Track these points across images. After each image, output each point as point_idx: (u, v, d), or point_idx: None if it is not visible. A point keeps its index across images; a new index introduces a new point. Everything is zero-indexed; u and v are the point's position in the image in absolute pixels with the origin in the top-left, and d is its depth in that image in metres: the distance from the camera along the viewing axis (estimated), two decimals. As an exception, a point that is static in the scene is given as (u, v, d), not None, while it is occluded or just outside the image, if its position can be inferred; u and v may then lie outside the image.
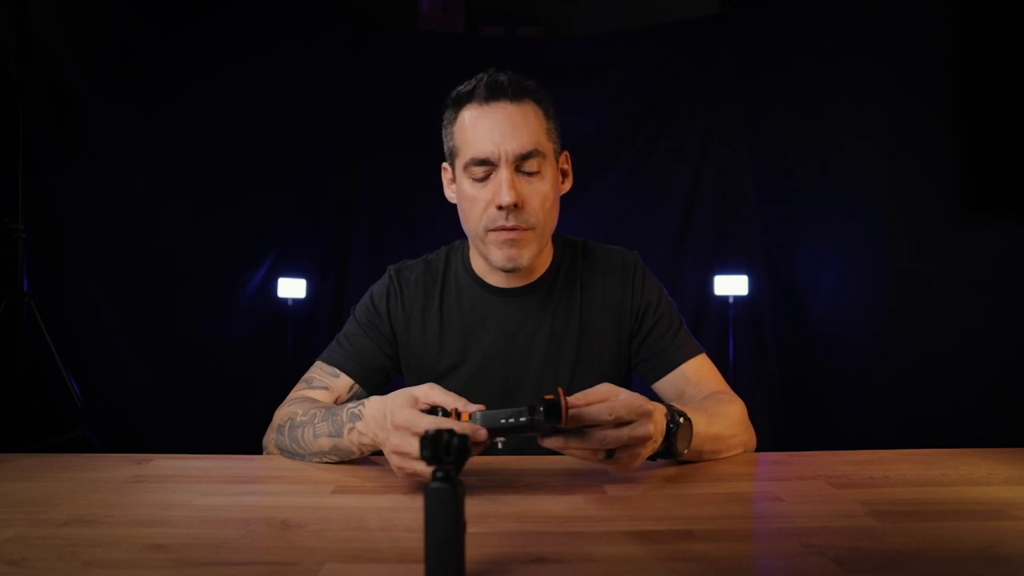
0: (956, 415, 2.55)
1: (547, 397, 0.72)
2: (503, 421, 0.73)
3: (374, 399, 0.85)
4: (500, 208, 1.01)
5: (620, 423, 0.76)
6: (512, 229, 1.02)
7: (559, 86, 3.51)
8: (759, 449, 1.03)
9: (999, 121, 2.22)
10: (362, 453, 0.89)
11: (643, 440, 0.77)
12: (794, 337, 3.41)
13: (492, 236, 1.04)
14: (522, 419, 0.73)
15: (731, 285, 3.33)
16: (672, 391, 1.12)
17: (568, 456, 0.77)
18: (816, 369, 3.33)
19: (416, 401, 0.78)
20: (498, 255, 1.05)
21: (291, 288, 3.35)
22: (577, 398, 0.76)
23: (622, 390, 0.79)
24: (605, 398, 0.77)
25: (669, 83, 3.68)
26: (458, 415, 0.75)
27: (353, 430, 0.87)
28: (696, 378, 1.11)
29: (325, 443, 0.91)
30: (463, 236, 1.17)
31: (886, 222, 2.96)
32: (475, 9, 3.91)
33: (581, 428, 0.75)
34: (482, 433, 0.72)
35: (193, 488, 0.82)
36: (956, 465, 0.90)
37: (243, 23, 3.19)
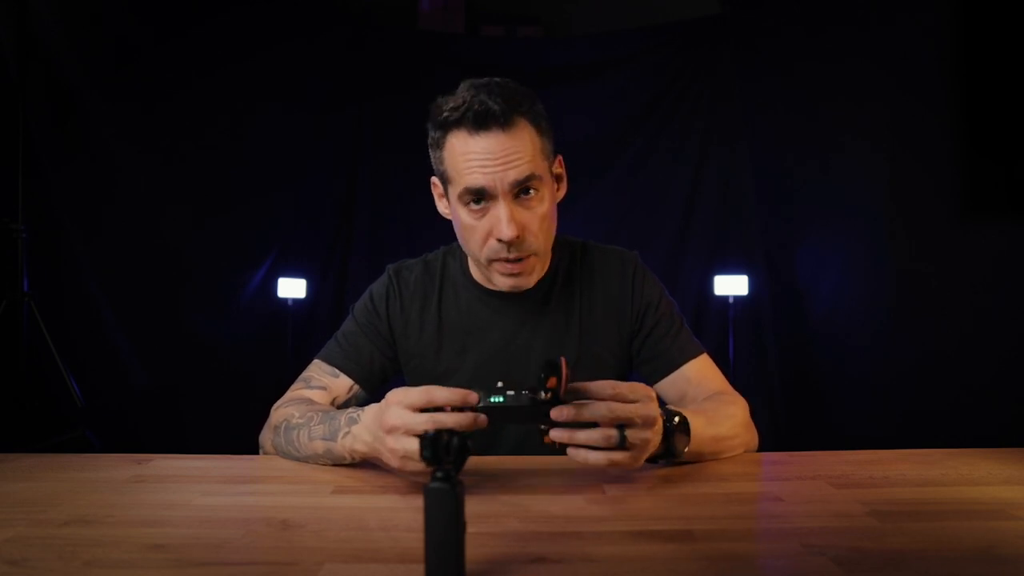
0: (956, 415, 2.55)
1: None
2: (500, 400, 0.73)
3: (372, 406, 0.84)
4: (500, 241, 0.99)
5: (624, 400, 0.75)
6: (514, 261, 1.01)
7: (559, 86, 3.53)
8: (759, 450, 1.03)
9: (999, 121, 2.22)
10: (353, 459, 0.88)
11: (650, 421, 0.76)
12: (794, 337, 3.41)
13: (496, 266, 1.03)
14: (524, 393, 0.73)
15: (731, 285, 3.33)
16: (674, 392, 1.12)
17: (575, 458, 0.76)
18: (816, 369, 3.33)
19: (411, 404, 0.75)
20: (502, 282, 1.04)
21: (291, 288, 3.35)
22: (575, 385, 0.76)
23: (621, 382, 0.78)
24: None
25: (669, 83, 3.68)
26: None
27: (348, 434, 0.86)
28: (698, 379, 1.10)
29: (319, 446, 0.90)
30: (455, 242, 1.17)
31: (886, 222, 2.96)
32: (475, 9, 3.91)
33: (586, 421, 0.74)
34: (482, 419, 0.73)
35: (193, 488, 0.82)
36: (956, 465, 0.90)
37: (243, 23, 3.19)
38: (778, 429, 3.33)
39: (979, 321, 2.61)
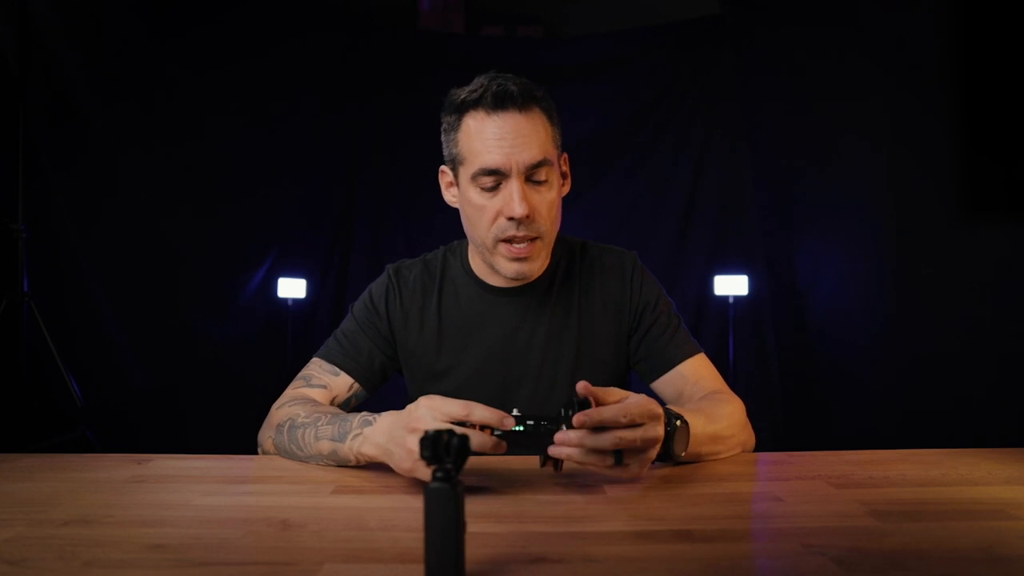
0: (956, 415, 2.55)
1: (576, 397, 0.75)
2: (520, 429, 0.76)
3: (389, 412, 0.85)
4: (510, 219, 1.01)
5: (633, 425, 0.75)
6: (523, 241, 1.02)
7: (559, 86, 3.51)
8: (759, 449, 1.03)
9: (999, 121, 2.22)
10: (358, 462, 0.87)
11: (654, 442, 0.77)
12: (794, 337, 3.41)
13: (502, 247, 1.03)
14: (543, 424, 0.76)
15: (731, 285, 3.33)
16: (670, 391, 1.12)
17: (576, 464, 0.76)
18: (816, 369, 3.33)
19: (446, 414, 0.75)
20: (508, 267, 1.05)
21: (291, 288, 3.36)
22: (591, 393, 0.76)
23: (630, 392, 0.79)
24: (617, 399, 0.77)
25: (669, 83, 3.68)
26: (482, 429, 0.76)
27: (359, 436, 0.85)
28: (695, 377, 1.11)
29: (325, 446, 0.90)
30: (463, 236, 1.17)
31: (886, 222, 2.96)
32: (475, 9, 3.91)
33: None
34: (503, 446, 0.75)
35: (193, 488, 0.82)
36: (956, 465, 0.90)
37: (243, 23, 3.19)
38: (778, 429, 3.33)
39: (979, 321, 2.60)
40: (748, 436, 1.02)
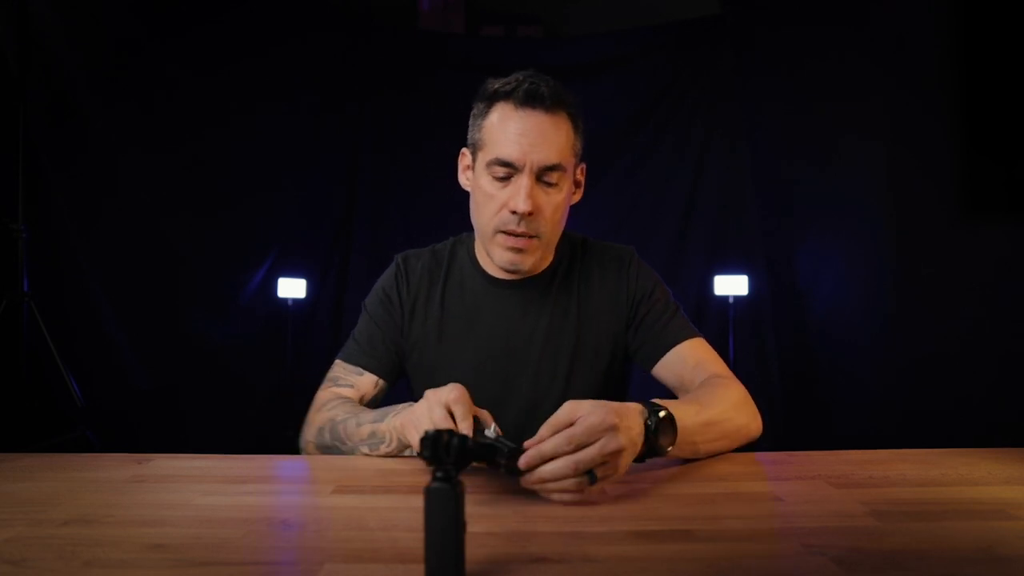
0: (956, 415, 2.55)
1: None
2: (485, 439, 0.78)
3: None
4: (513, 212, 1.03)
5: (584, 446, 0.72)
6: (520, 235, 1.04)
7: (559, 86, 3.53)
8: (759, 449, 1.03)
9: (999, 121, 2.22)
10: (391, 440, 0.92)
11: (616, 453, 0.74)
12: (794, 337, 3.41)
13: (500, 237, 1.06)
14: (501, 446, 0.75)
15: (731, 285, 3.33)
16: (670, 375, 1.12)
17: (552, 498, 0.74)
18: (816, 369, 3.33)
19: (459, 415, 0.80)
20: (501, 256, 1.08)
21: (291, 288, 3.35)
22: (541, 431, 0.74)
23: (584, 405, 0.75)
24: (567, 422, 0.74)
25: (669, 83, 3.68)
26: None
27: (399, 415, 0.90)
28: (693, 360, 1.10)
29: (366, 430, 0.95)
30: (464, 232, 1.19)
31: (886, 222, 2.96)
32: (475, 9, 3.91)
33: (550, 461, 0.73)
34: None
35: (193, 488, 0.82)
36: (956, 465, 0.90)
37: (243, 23, 3.19)
38: (778, 429, 3.33)
39: (979, 321, 2.60)
40: (750, 418, 1.00)
